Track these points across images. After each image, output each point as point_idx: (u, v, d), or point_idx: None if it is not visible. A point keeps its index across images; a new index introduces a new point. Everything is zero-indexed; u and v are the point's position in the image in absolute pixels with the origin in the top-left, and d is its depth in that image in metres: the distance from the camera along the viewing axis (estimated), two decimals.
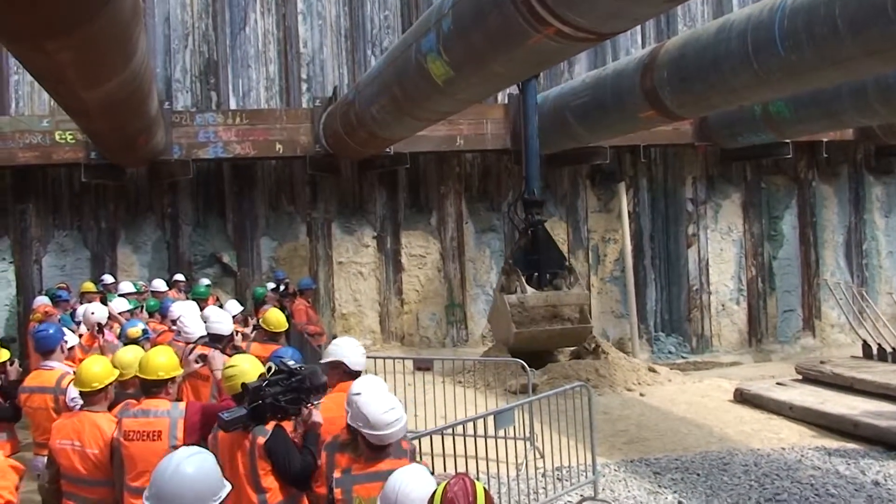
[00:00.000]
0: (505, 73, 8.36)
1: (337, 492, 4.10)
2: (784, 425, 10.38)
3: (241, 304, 11.25)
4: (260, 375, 4.61)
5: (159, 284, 12.49)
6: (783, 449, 9.35)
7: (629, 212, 16.55)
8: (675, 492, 8.13)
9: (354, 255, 15.80)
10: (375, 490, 3.66)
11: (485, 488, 3.09)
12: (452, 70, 8.59)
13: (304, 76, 15.71)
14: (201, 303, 10.47)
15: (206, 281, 13.77)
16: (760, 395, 11.41)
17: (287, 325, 8.25)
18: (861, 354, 13.46)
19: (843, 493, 7.95)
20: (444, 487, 3.05)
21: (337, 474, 4.16)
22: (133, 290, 11.78)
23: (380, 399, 4.13)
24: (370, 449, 4.11)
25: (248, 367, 4.87)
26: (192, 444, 3.92)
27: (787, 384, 12.09)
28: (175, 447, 4.59)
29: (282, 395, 4.44)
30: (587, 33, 6.79)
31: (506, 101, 15.47)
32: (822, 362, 12.55)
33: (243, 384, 4.52)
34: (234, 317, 9.54)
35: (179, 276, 13.59)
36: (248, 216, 15.47)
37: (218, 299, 12.53)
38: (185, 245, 15.28)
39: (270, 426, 4.45)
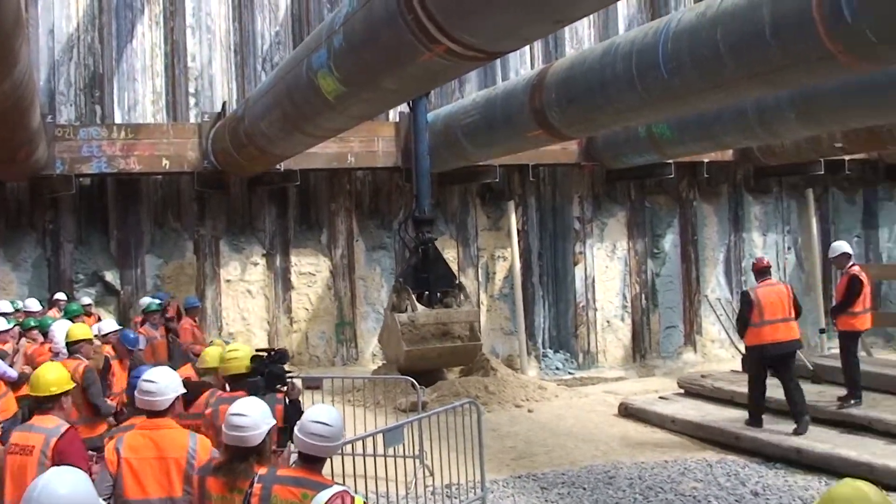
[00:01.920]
0: (396, 90, 8.40)
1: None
2: (667, 438, 10.63)
3: (121, 324, 10.97)
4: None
5: (32, 304, 12.07)
6: (666, 462, 9.57)
7: (518, 230, 16.76)
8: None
9: (243, 274, 15.57)
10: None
11: (365, 502, 3.09)
12: (343, 86, 8.59)
13: (192, 90, 15.46)
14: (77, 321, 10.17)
15: (85, 300, 13.40)
16: (644, 409, 11.67)
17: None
18: (741, 369, 13.87)
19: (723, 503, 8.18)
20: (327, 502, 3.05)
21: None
22: (11, 309, 11.36)
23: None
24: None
25: (246, 351, 6.42)
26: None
27: (670, 398, 12.39)
28: (45, 466, 4.53)
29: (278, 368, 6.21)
30: (477, 52, 6.88)
31: (397, 120, 15.52)
32: (703, 376, 12.89)
33: (254, 356, 6.30)
34: (107, 335, 9.32)
35: (60, 295, 13.16)
36: (133, 233, 15.10)
37: (99, 318, 12.17)
38: (66, 263, 14.81)
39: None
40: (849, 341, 10.83)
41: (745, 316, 10.38)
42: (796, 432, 9.78)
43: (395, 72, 7.77)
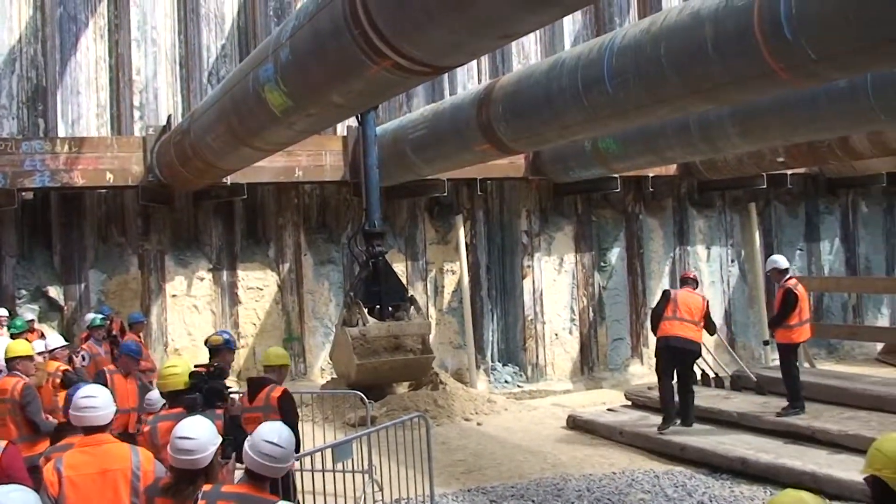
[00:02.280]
0: (343, 104, 8.38)
1: None
2: (615, 450, 10.71)
3: (67, 339, 10.81)
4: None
5: None
6: (614, 473, 9.65)
7: (466, 243, 16.80)
8: None
9: (189, 289, 15.40)
10: None
11: None
12: (290, 100, 8.56)
13: (136, 104, 15.29)
14: (20, 337, 10.03)
15: (28, 315, 13.18)
16: (592, 420, 11.77)
17: None
18: None
19: None
20: None
21: None
22: None
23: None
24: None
25: (185, 367, 6.38)
26: None
27: (618, 410, 12.51)
28: None
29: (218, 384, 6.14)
30: (424, 66, 6.91)
31: (345, 133, 15.49)
32: (649, 388, 13.02)
33: (192, 373, 6.21)
34: (53, 350, 9.21)
35: (2, 311, 12.92)
36: (77, 248, 14.85)
37: (43, 334, 11.97)
38: (8, 278, 14.52)
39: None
40: (788, 353, 11.08)
41: (660, 309, 10.87)
42: (660, 429, 10.68)
43: (343, 86, 7.77)
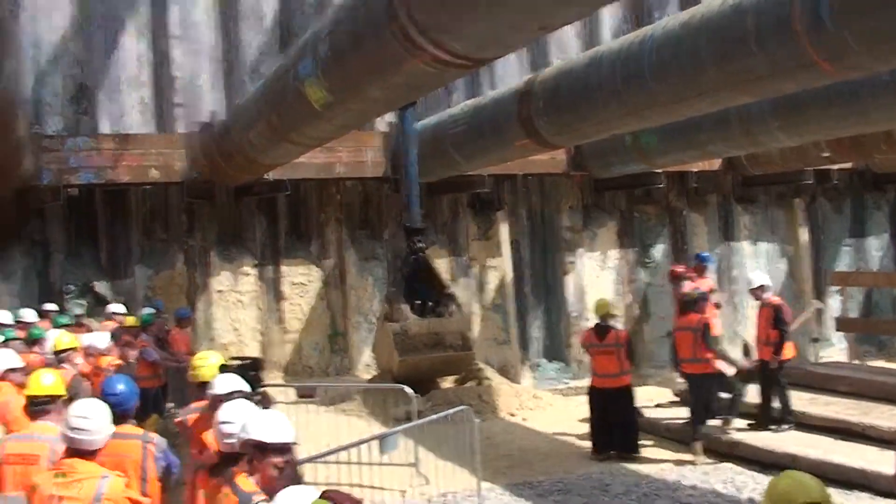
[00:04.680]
0: (382, 99, 8.42)
1: None
2: (662, 446, 10.62)
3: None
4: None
5: (27, 314, 12.05)
6: (662, 469, 9.57)
7: (509, 240, 16.75)
8: None
9: (234, 284, 15.53)
10: None
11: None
12: (330, 95, 8.60)
13: (178, 101, 15.42)
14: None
15: (77, 310, 13.39)
16: (643, 417, 11.64)
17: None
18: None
19: None
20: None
21: None
22: (11, 320, 11.39)
23: None
24: None
25: (216, 359, 6.49)
26: None
27: (665, 406, 12.40)
28: None
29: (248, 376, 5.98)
30: (463, 59, 6.90)
31: (385, 129, 15.52)
32: None
33: (223, 365, 6.27)
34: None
35: (50, 306, 13.13)
36: (122, 244, 15.05)
37: (90, 329, 12.14)
38: (56, 274, 14.75)
39: None
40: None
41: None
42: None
43: (381, 80, 7.79)
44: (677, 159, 15.03)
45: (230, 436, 4.35)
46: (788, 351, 10.88)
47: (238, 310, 15.59)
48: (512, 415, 12.23)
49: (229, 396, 5.31)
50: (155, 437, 5.50)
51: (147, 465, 5.29)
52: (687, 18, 8.80)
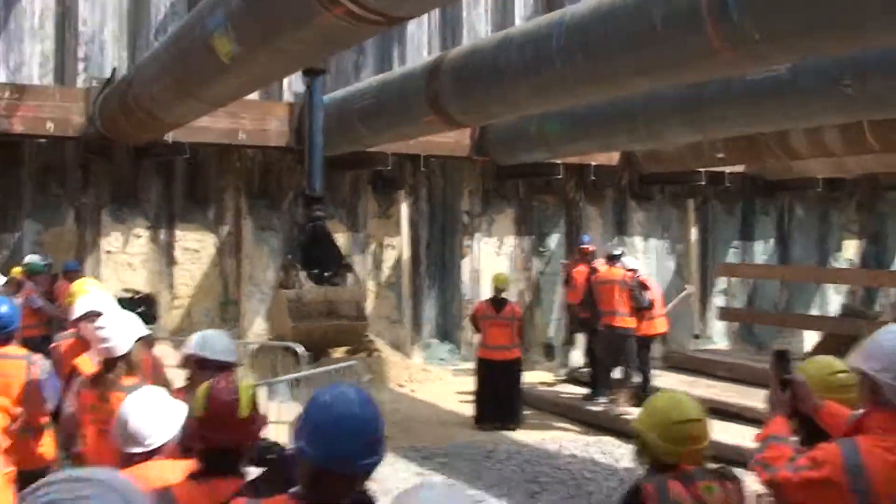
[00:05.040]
0: (293, 52, 8.39)
1: None
2: (548, 421, 10.87)
3: None
4: None
5: None
6: (544, 440, 9.79)
7: (408, 220, 16.83)
8: (442, 474, 8.36)
9: (125, 246, 15.20)
10: None
11: (253, 385, 3.13)
12: (239, 46, 8.53)
13: (81, 55, 15.05)
14: None
15: None
16: (528, 392, 11.90)
17: None
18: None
19: (598, 477, 8.43)
20: (208, 385, 3.07)
21: None
22: None
23: None
24: None
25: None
26: None
27: (550, 383, 12.69)
28: None
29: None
30: (377, 15, 6.93)
31: (291, 101, 15.42)
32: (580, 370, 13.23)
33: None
34: None
35: None
36: (13, 197, 14.59)
37: None
38: None
39: None
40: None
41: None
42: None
43: (293, 33, 7.76)
44: (580, 149, 15.38)
45: (105, 340, 4.61)
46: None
47: (127, 272, 15.26)
48: (401, 386, 12.34)
49: (86, 317, 5.44)
50: (39, 358, 5.43)
51: (31, 385, 5.22)
52: (597, 4, 9.01)
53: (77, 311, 5.77)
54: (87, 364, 5.12)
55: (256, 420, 3.08)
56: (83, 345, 5.63)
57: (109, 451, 4.53)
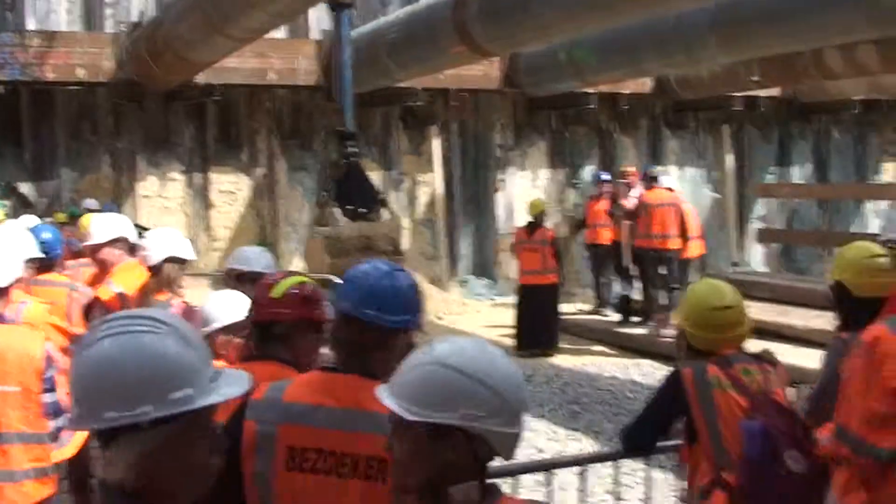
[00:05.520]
0: None
1: None
2: (587, 346, 10.90)
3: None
4: None
5: None
6: (583, 364, 9.82)
7: (441, 155, 16.77)
8: None
9: (161, 189, 15.32)
10: None
11: (306, 282, 3.17)
12: None
13: (108, 0, 15.03)
14: None
15: None
16: (564, 321, 11.91)
17: None
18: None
19: (639, 396, 8.42)
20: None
21: None
22: None
23: None
24: None
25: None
26: None
27: (588, 311, 12.71)
28: None
29: None
30: None
31: (319, 38, 15.33)
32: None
33: None
34: None
35: None
36: (48, 145, 14.69)
37: None
38: None
39: None
40: None
41: None
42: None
43: None
44: (612, 76, 15.17)
45: (142, 249, 4.91)
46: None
47: (164, 216, 15.37)
48: (439, 318, 12.39)
49: (111, 242, 5.31)
50: (80, 285, 5.47)
51: (72, 312, 5.26)
52: None
53: (97, 235, 5.40)
54: (107, 293, 5.09)
55: (291, 305, 3.08)
56: (102, 273, 5.47)
57: None
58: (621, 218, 12.11)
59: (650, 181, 11.88)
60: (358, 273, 2.51)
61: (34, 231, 5.49)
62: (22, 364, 3.87)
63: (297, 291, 3.10)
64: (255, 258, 4.76)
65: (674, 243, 11.28)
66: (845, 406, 3.28)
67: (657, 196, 11.56)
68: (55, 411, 3.96)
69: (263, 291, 3.11)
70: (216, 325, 3.71)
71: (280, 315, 3.06)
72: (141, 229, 6.54)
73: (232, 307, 3.73)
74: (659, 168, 12.80)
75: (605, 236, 12.97)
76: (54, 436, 3.96)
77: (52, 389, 3.94)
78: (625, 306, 12.65)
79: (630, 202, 11.93)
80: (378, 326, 2.43)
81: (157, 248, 4.81)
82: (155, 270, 4.80)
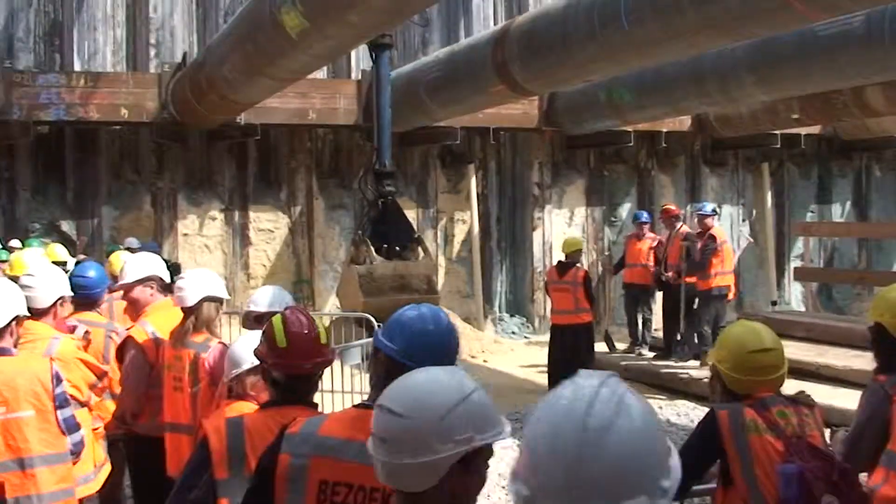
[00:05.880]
0: (360, 24, 8.42)
1: None
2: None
3: None
4: None
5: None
6: None
7: (478, 193, 16.83)
8: (513, 438, 8.34)
9: (200, 228, 15.50)
10: None
11: (320, 318, 3.21)
12: (307, 21, 8.60)
13: (152, 41, 15.33)
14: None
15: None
16: (599, 359, 11.85)
17: None
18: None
19: (674, 437, 8.32)
20: (279, 318, 3.15)
21: None
22: None
23: None
24: None
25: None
26: None
27: (628, 349, 12.64)
28: None
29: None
30: None
31: (359, 78, 15.51)
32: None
33: None
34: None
35: (14, 243, 13.03)
36: (90, 183, 14.95)
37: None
38: (21, 211, 14.64)
39: None
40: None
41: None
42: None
43: (360, 3, 7.81)
44: (650, 115, 15.16)
45: (179, 290, 4.83)
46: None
47: (203, 254, 15.57)
48: (473, 357, 12.39)
49: (142, 281, 5.35)
50: (118, 325, 5.54)
51: (108, 353, 5.32)
52: None
53: (129, 274, 5.39)
54: (142, 334, 5.11)
55: (329, 346, 3.15)
56: (134, 312, 5.53)
57: (184, 407, 4.65)
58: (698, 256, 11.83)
59: (706, 217, 11.85)
60: (408, 318, 2.58)
61: (80, 268, 5.58)
62: (32, 386, 3.99)
63: (329, 341, 3.16)
64: (268, 298, 4.80)
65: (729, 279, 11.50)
66: None
67: (722, 233, 11.78)
68: (70, 427, 4.06)
69: (314, 343, 3.12)
70: (245, 366, 3.73)
71: (325, 364, 3.13)
72: (173, 267, 6.60)
73: None
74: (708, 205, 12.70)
75: (645, 277, 12.79)
76: (72, 451, 4.07)
77: (64, 405, 4.04)
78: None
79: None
80: None
81: (193, 289, 4.85)
82: (192, 311, 4.84)
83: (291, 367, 3.12)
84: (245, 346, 3.75)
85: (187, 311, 4.84)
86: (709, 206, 12.39)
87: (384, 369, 2.53)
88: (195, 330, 4.77)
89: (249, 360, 3.68)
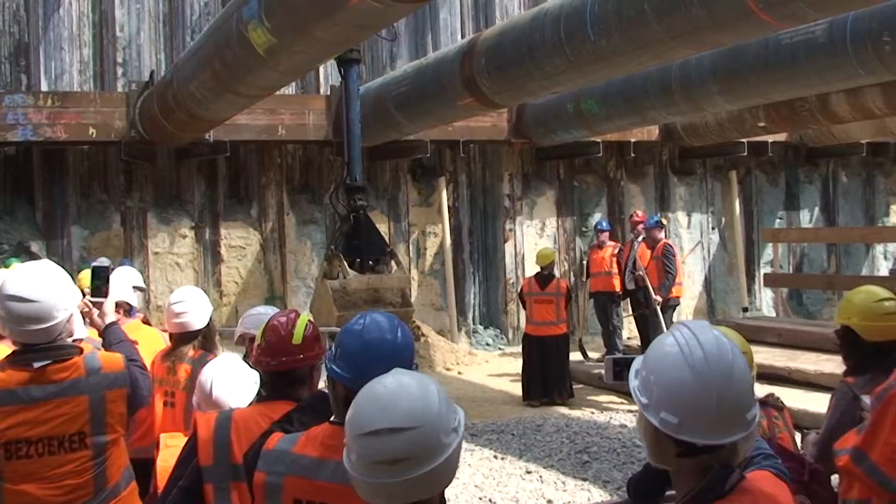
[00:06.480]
0: (328, 39, 8.42)
1: None
2: (597, 396, 10.87)
3: None
4: None
5: None
6: (594, 412, 9.79)
7: (449, 206, 16.89)
8: (491, 449, 8.38)
9: (171, 246, 15.43)
10: None
11: (310, 320, 3.23)
12: (274, 37, 8.59)
13: (119, 60, 15.28)
14: None
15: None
16: (574, 369, 11.90)
17: None
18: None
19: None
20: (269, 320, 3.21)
21: None
22: None
23: None
24: None
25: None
26: None
27: (596, 360, 12.69)
28: None
29: None
30: None
31: (328, 93, 15.53)
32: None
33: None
34: None
35: None
36: (59, 204, 14.86)
37: None
38: None
39: None
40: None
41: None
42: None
43: (327, 18, 7.80)
44: (618, 125, 15.27)
45: (178, 315, 4.67)
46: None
47: (175, 272, 15.50)
48: (448, 369, 12.41)
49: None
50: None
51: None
52: None
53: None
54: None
55: (311, 348, 3.18)
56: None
57: (173, 423, 4.65)
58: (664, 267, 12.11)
59: (659, 229, 12.01)
60: (357, 340, 2.56)
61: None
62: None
63: (311, 333, 3.18)
64: (253, 320, 4.80)
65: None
66: (871, 433, 3.29)
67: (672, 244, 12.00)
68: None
69: (285, 343, 3.17)
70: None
71: (307, 360, 3.15)
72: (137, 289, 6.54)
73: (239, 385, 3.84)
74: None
75: (609, 284, 13.04)
76: None
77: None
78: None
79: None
80: None
81: (198, 312, 4.91)
82: (200, 333, 4.89)
83: (259, 363, 3.20)
84: (226, 389, 3.82)
85: (192, 333, 4.87)
86: (654, 219, 12.64)
87: (343, 395, 2.53)
88: (201, 348, 4.86)
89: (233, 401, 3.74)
